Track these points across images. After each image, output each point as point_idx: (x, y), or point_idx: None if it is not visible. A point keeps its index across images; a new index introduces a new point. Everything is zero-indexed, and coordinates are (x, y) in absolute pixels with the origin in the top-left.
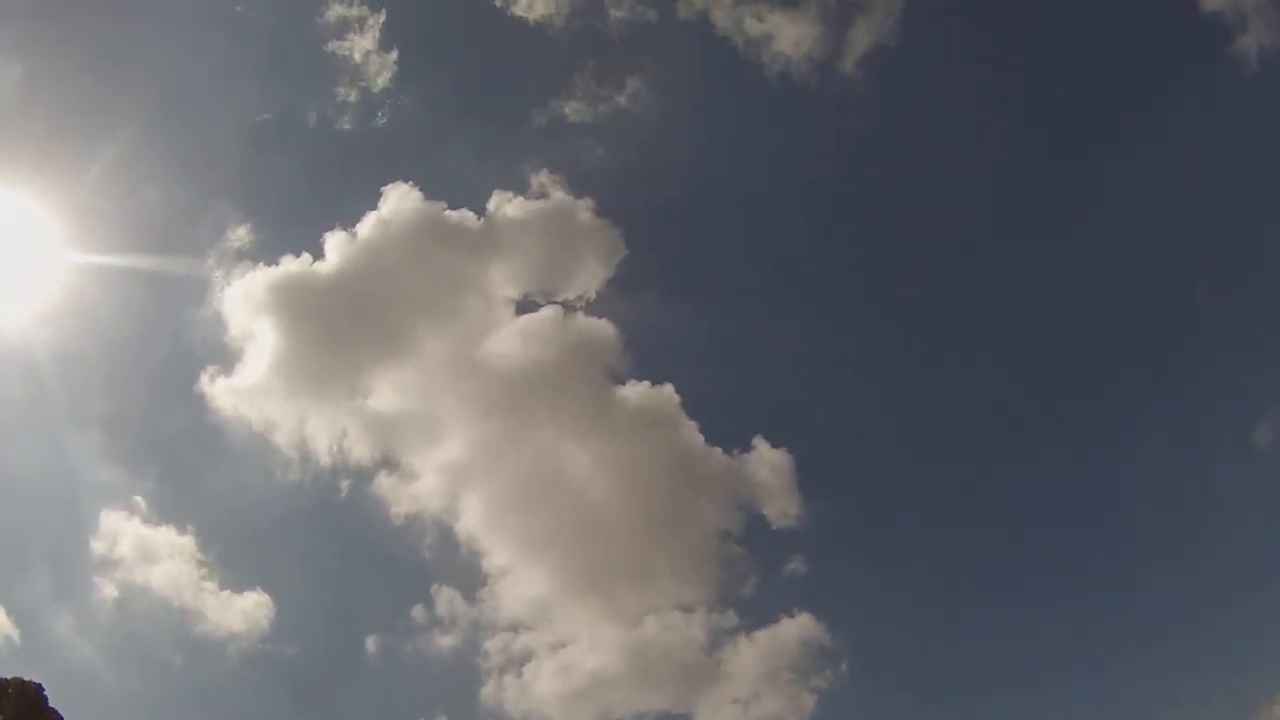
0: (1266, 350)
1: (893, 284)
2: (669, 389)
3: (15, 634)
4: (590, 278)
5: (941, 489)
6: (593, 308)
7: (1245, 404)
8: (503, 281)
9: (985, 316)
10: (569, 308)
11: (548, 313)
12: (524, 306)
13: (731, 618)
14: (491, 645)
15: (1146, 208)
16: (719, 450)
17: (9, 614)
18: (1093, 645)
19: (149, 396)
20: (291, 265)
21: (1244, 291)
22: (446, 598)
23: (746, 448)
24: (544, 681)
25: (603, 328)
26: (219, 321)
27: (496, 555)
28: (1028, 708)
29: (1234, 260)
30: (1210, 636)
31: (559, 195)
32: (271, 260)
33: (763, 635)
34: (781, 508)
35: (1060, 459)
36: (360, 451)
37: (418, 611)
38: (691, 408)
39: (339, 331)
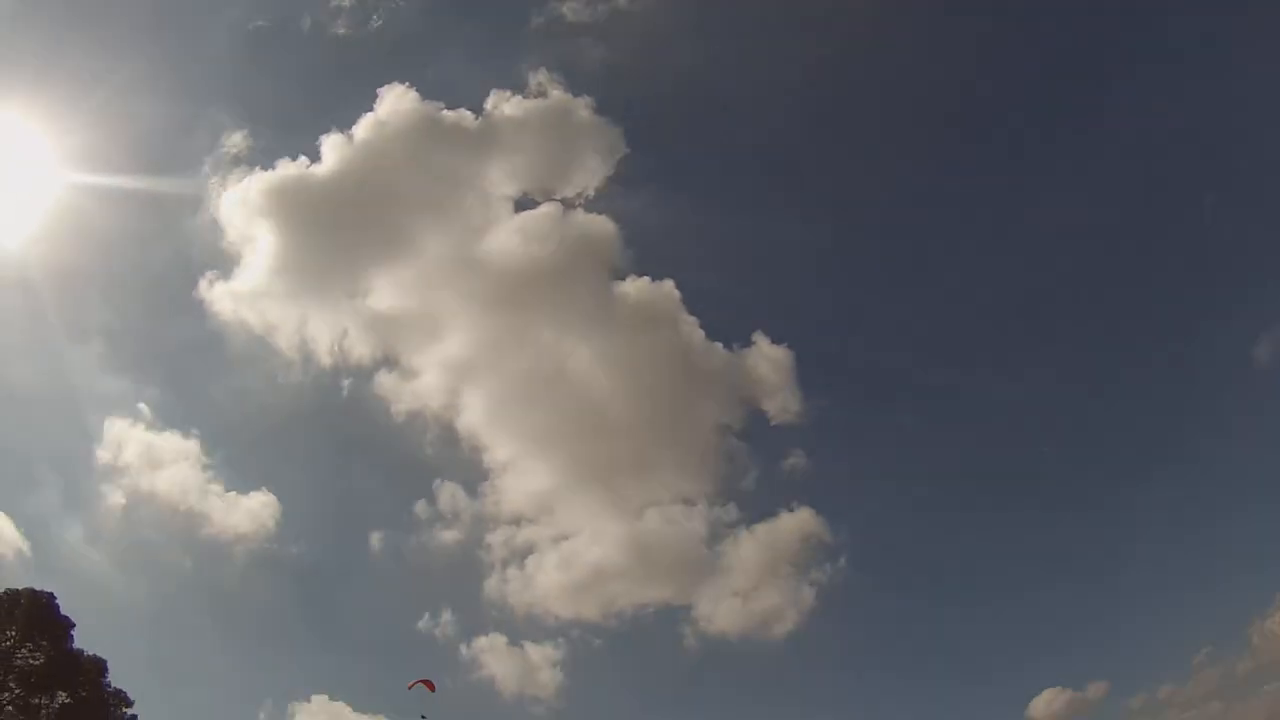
0: (1267, 269)
1: (893, 182)
2: (669, 285)
3: (25, 546)
4: (589, 175)
5: (942, 387)
6: (592, 205)
7: (1244, 320)
8: (501, 180)
9: (991, 217)
10: (568, 205)
11: (547, 210)
12: (523, 204)
13: (732, 511)
14: (494, 539)
15: (1145, 120)
16: (720, 345)
17: (18, 527)
18: (1090, 550)
19: (149, 305)
20: (289, 169)
21: (1246, 211)
22: (449, 493)
23: (747, 343)
24: (546, 574)
25: (602, 224)
26: (216, 228)
27: (498, 450)
28: (1024, 606)
29: (1236, 176)
30: (1209, 547)
31: (557, 94)
32: (268, 165)
33: (763, 529)
34: (782, 403)
35: (1063, 362)
36: (361, 351)
37: (420, 507)
38: (692, 303)
39: (337, 233)
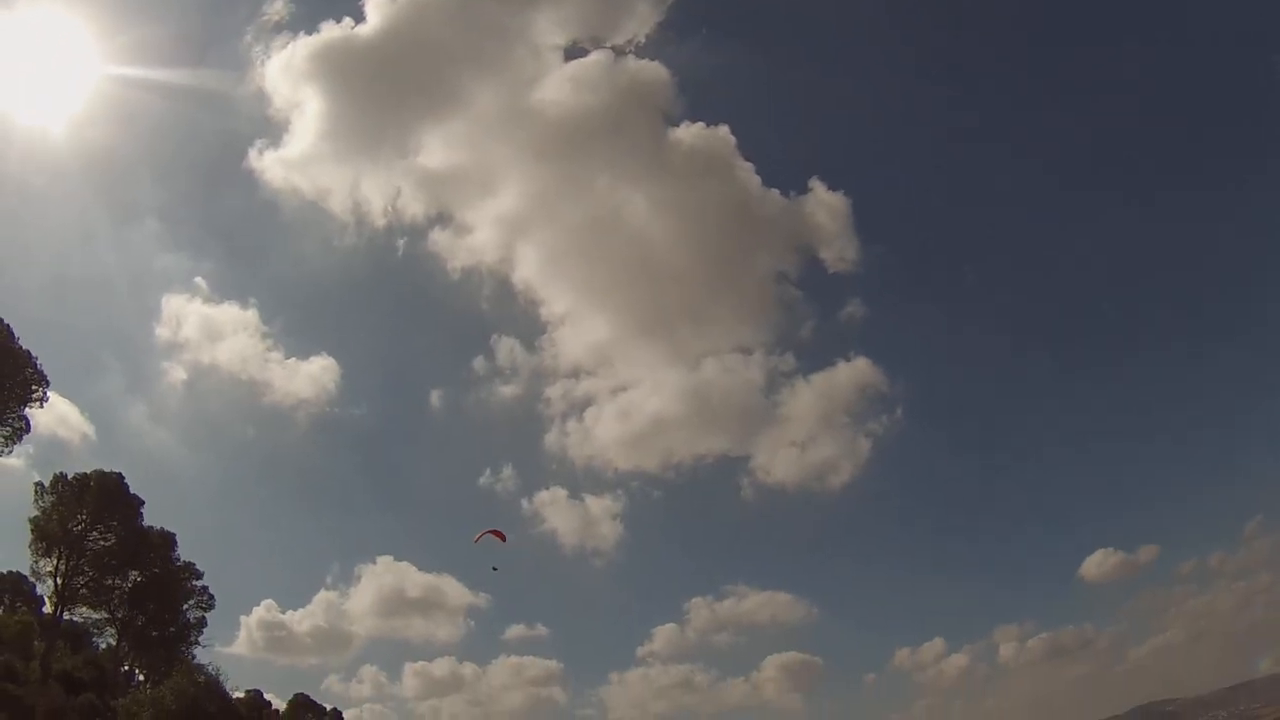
0: None
1: (959, 28)
2: (724, 130)
3: (90, 430)
4: (640, 21)
5: (1004, 237)
6: (644, 51)
7: None
8: (550, 29)
9: (1064, 67)
10: (619, 52)
11: (597, 58)
12: (572, 53)
13: (789, 360)
14: (552, 392)
15: None
16: (776, 192)
17: (82, 411)
18: (1148, 412)
19: (199, 180)
20: (332, 31)
21: None
22: (506, 348)
23: (804, 190)
24: (605, 426)
25: (655, 70)
26: (262, 97)
27: (555, 303)
28: (1079, 466)
29: None
30: (1269, 417)
31: None
32: (311, 29)
33: (820, 378)
34: (839, 251)
35: (1131, 217)
36: (414, 210)
37: (479, 363)
38: (748, 149)
39: (385, 92)
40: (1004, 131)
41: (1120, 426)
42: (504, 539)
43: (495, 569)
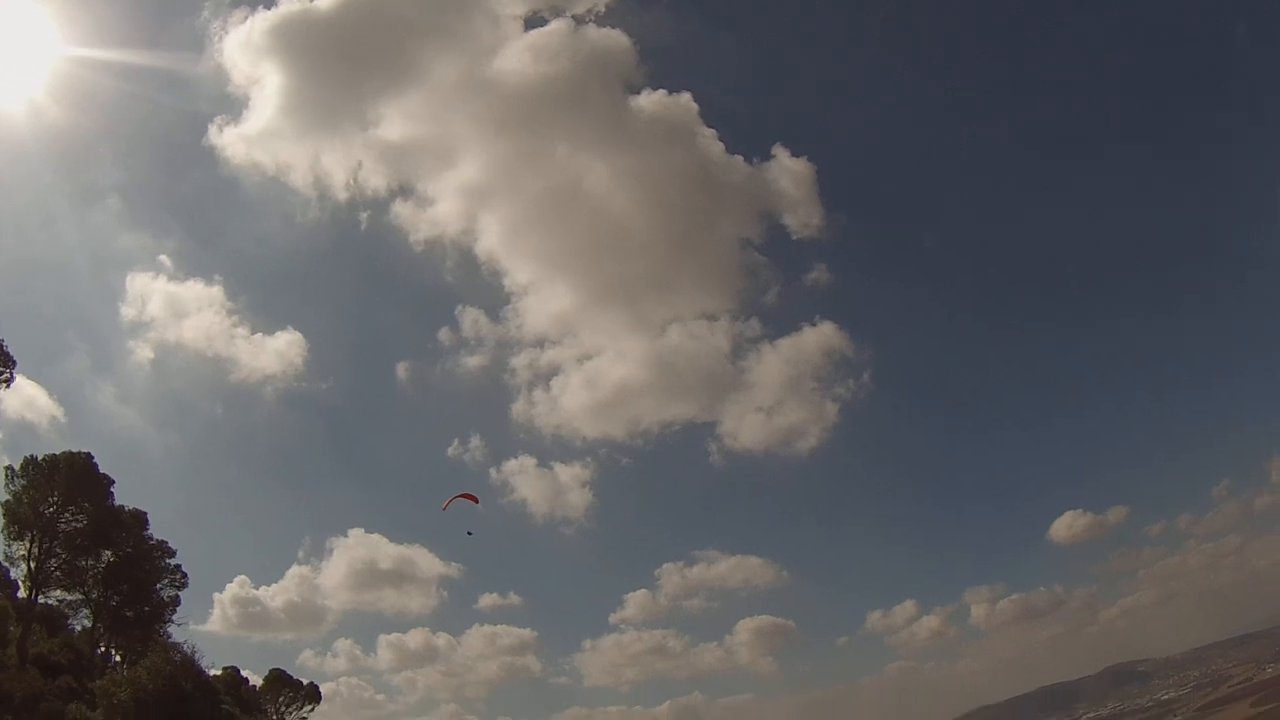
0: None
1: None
2: (687, 98)
3: (59, 412)
4: None
5: (968, 200)
6: (605, 19)
7: (1270, 156)
8: (508, 0)
9: (1026, 35)
10: (580, 20)
11: (557, 26)
12: (533, 22)
13: (755, 326)
14: (518, 362)
15: None
16: (740, 159)
17: (50, 394)
18: (1115, 375)
19: (160, 158)
20: (290, 5)
21: None
22: (471, 318)
23: (767, 156)
24: (572, 394)
25: (616, 38)
26: (221, 73)
27: (518, 273)
28: (1048, 429)
29: None
30: (1234, 381)
31: None
32: (269, 3)
33: (786, 344)
34: (804, 217)
35: (1092, 186)
36: (376, 183)
37: (444, 334)
38: (710, 116)
39: (344, 66)
40: (967, 99)
41: (1089, 389)
42: (476, 501)
43: (470, 534)
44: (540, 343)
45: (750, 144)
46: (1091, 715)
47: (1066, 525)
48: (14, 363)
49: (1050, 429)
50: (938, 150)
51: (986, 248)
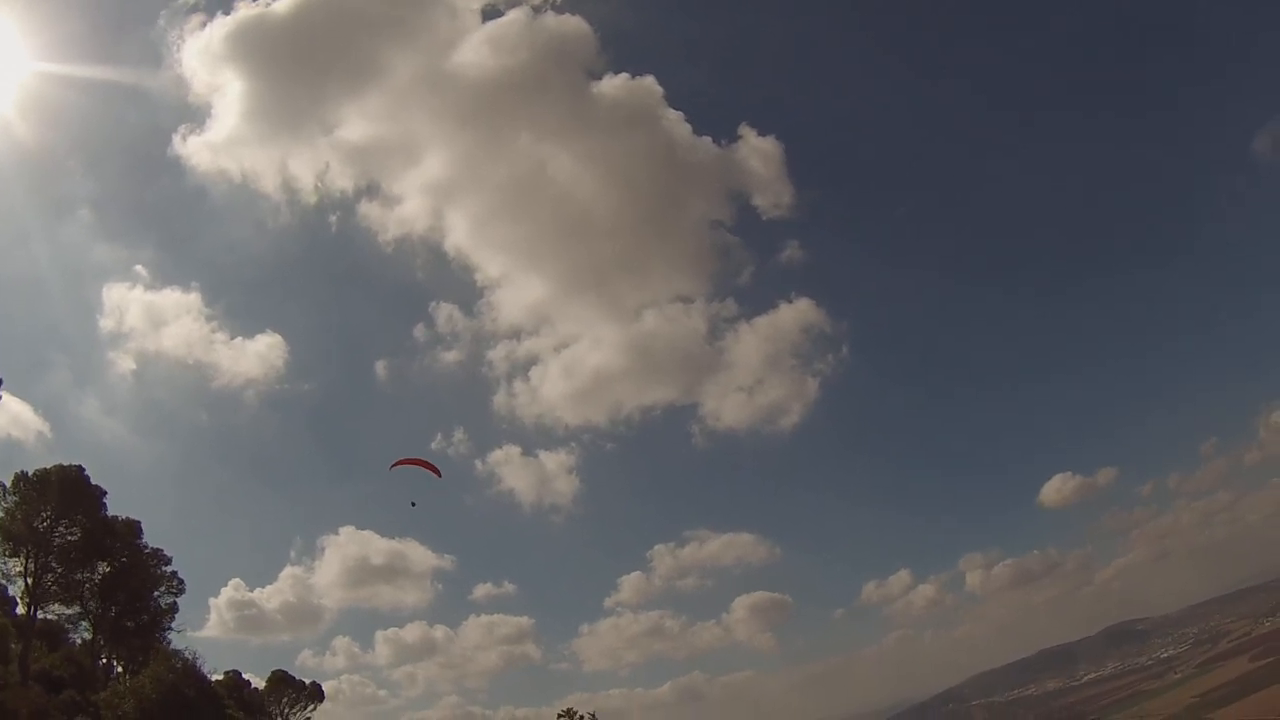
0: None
1: None
2: (650, 80)
3: (45, 427)
4: None
5: (937, 171)
6: (563, 6)
7: (1246, 112)
8: None
9: (990, 9)
10: (538, 9)
11: (515, 16)
12: (490, 13)
13: (730, 306)
14: (495, 354)
15: None
16: (708, 140)
17: (36, 409)
18: (1097, 337)
19: (129, 170)
20: (247, 10)
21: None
22: (445, 314)
23: (734, 137)
24: (551, 384)
25: (575, 25)
26: (181, 83)
27: (489, 266)
28: (1032, 394)
29: None
30: (1217, 338)
31: None
32: (227, 9)
33: (763, 322)
34: (774, 196)
35: (1065, 147)
36: (343, 184)
37: (419, 331)
38: (676, 98)
39: (304, 68)
40: (933, 66)
41: (1071, 351)
42: (438, 474)
43: (414, 505)
44: (516, 334)
45: (718, 125)
46: (1092, 676)
47: (1056, 488)
48: (0, 380)
49: (1035, 392)
50: (906, 120)
51: (960, 213)
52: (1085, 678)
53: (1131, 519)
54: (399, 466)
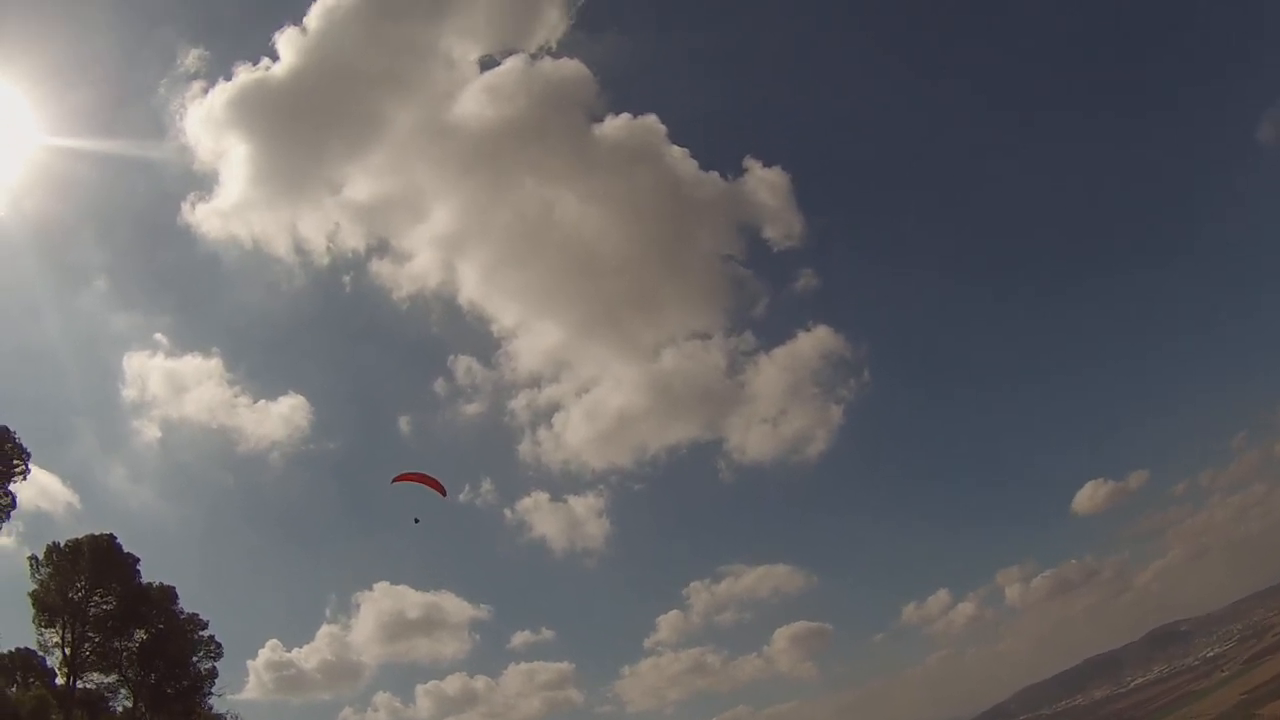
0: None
1: None
2: (652, 119)
3: (74, 498)
4: (550, 25)
5: (943, 185)
6: (559, 51)
7: (1249, 100)
8: (462, 43)
9: (979, 5)
10: (534, 56)
11: (513, 64)
12: (488, 63)
13: (749, 339)
14: (516, 404)
15: None
16: (715, 174)
17: (64, 481)
18: (1113, 339)
19: (141, 240)
20: (248, 75)
21: None
22: (464, 366)
23: (740, 171)
24: (575, 429)
25: (573, 69)
26: (186, 151)
27: (503, 316)
28: (1055, 402)
29: None
30: (1237, 331)
31: None
32: (227, 75)
33: (782, 352)
34: (784, 226)
35: (1070, 150)
36: (354, 243)
37: (440, 385)
38: (679, 135)
39: (308, 129)
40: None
41: (1091, 357)
42: (444, 493)
43: (417, 521)
44: (536, 382)
45: (723, 159)
46: (1140, 681)
47: (1089, 496)
48: (28, 454)
49: (1060, 400)
50: (909, 134)
51: (971, 224)
52: (1132, 683)
53: (1166, 519)
54: (400, 482)
